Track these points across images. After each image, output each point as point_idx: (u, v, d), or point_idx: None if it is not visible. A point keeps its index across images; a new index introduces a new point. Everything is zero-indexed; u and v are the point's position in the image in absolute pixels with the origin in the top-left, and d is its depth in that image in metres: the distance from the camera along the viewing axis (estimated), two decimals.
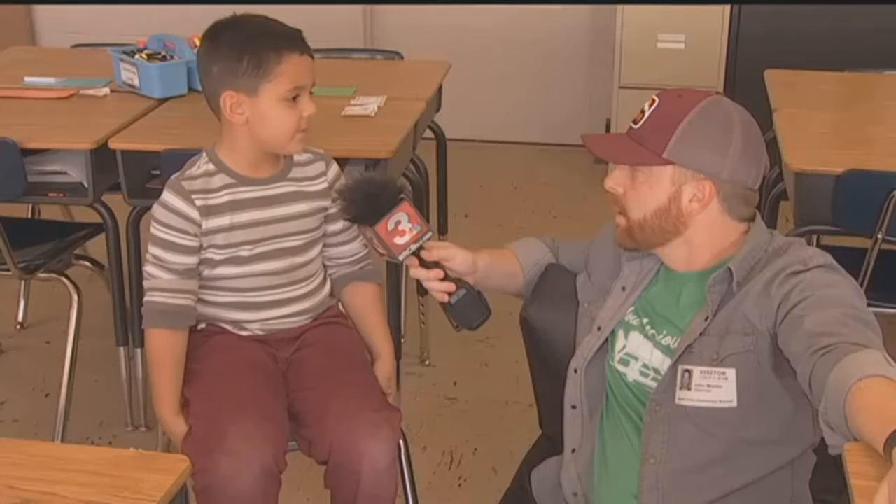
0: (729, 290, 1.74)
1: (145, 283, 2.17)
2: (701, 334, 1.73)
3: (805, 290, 1.64)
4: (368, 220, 1.90)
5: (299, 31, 2.12)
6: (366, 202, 1.90)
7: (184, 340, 2.17)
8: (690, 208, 1.74)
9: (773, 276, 1.70)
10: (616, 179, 1.79)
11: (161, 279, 2.14)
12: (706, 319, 1.73)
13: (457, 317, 1.90)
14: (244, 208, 2.15)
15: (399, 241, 1.88)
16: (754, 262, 1.75)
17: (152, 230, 2.14)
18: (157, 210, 2.14)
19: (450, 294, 1.88)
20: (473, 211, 4.68)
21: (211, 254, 2.15)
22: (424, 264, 1.90)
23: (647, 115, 1.75)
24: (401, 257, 1.89)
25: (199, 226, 2.12)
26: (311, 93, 2.12)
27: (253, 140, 2.12)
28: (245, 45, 2.05)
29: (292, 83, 2.06)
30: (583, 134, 1.85)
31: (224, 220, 2.13)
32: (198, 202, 2.11)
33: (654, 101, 1.76)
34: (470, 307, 1.90)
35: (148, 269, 2.15)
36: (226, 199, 2.14)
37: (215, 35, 2.11)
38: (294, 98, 2.08)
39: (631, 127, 1.78)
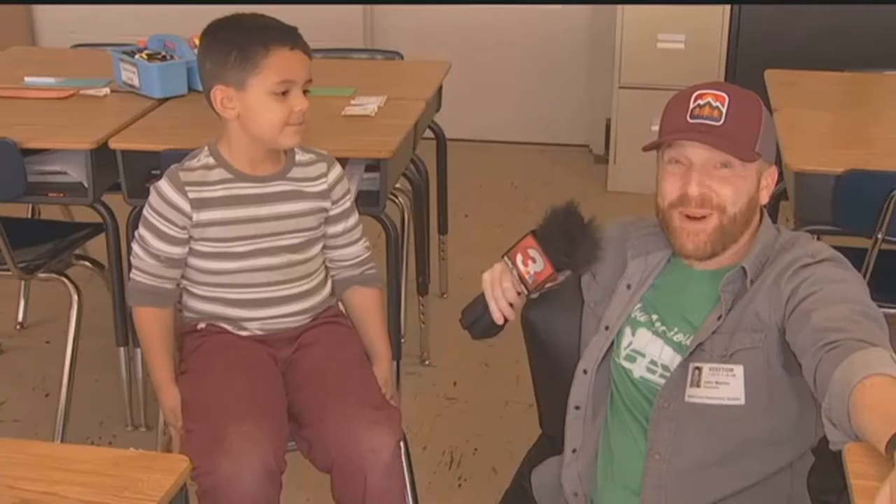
0: (742, 289, 1.76)
1: (132, 260, 2.22)
2: (713, 332, 1.74)
3: (814, 284, 1.66)
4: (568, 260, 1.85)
5: (294, 28, 2.12)
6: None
7: (170, 315, 2.23)
8: (762, 196, 1.80)
9: (783, 270, 1.72)
10: (705, 184, 1.75)
11: (145, 262, 2.18)
12: (719, 318, 1.74)
13: (475, 323, 1.90)
14: (240, 204, 2.15)
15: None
16: (765, 259, 1.77)
17: (144, 210, 2.18)
18: (151, 194, 2.17)
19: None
20: (473, 211, 4.68)
21: (204, 246, 2.16)
22: (526, 290, 1.86)
23: (725, 111, 1.73)
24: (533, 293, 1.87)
25: (190, 218, 2.13)
26: (306, 90, 2.12)
27: (246, 135, 2.12)
28: (233, 39, 2.07)
29: (280, 76, 2.06)
30: (663, 137, 1.78)
31: (217, 214, 2.14)
32: (191, 194, 2.12)
33: (722, 97, 1.74)
34: (489, 327, 1.90)
35: (134, 246, 2.20)
36: (221, 193, 2.14)
37: (210, 33, 2.13)
38: (284, 93, 2.07)
39: (706, 123, 1.73)
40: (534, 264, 1.83)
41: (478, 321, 1.90)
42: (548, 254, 1.82)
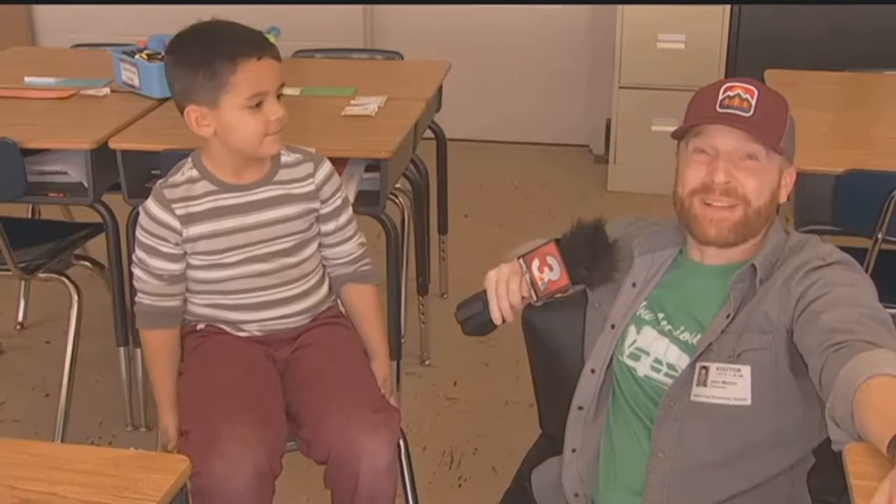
0: (751, 288, 1.76)
1: (134, 284, 2.21)
2: (722, 332, 1.74)
3: (824, 286, 1.67)
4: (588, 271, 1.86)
5: (259, 34, 2.07)
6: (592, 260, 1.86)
7: (176, 335, 2.22)
8: (781, 194, 1.82)
9: (793, 272, 1.72)
10: (731, 173, 1.76)
11: (148, 283, 2.17)
12: (728, 317, 1.75)
13: (470, 319, 1.89)
14: (226, 215, 2.14)
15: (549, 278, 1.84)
16: (774, 259, 1.78)
17: (136, 233, 2.17)
18: (140, 215, 2.16)
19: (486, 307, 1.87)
20: (473, 211, 4.68)
21: (196, 260, 2.16)
22: (535, 295, 1.86)
23: (755, 103, 1.75)
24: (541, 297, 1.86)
25: (180, 234, 2.12)
26: (279, 95, 2.08)
27: (226, 149, 2.11)
28: (199, 58, 2.02)
29: (251, 90, 2.03)
30: (690, 122, 1.78)
31: (206, 228, 2.13)
32: (178, 211, 2.11)
33: (751, 90, 1.76)
34: (484, 325, 1.89)
35: (134, 270, 2.19)
36: (208, 206, 2.13)
37: (173, 49, 2.09)
38: (258, 104, 2.04)
39: (737, 114, 1.74)
40: (550, 272, 1.83)
41: (473, 317, 1.89)
42: (567, 265, 1.82)
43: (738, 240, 1.79)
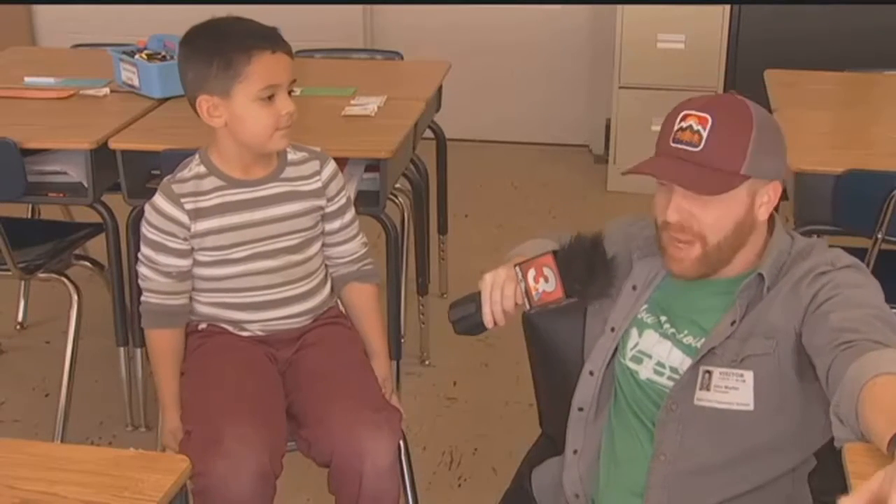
0: (758, 295, 1.75)
1: (140, 283, 2.20)
2: (727, 338, 1.74)
3: (833, 288, 1.67)
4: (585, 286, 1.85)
5: (273, 29, 2.10)
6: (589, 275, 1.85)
7: (181, 335, 2.23)
8: (760, 213, 1.74)
9: (801, 277, 1.71)
10: (685, 209, 1.72)
11: (155, 281, 2.17)
12: (732, 324, 1.74)
13: (462, 319, 1.89)
14: (234, 210, 2.14)
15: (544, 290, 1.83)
16: (780, 265, 1.76)
17: (143, 230, 2.16)
18: (147, 212, 2.16)
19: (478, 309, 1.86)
20: (473, 211, 4.68)
21: (203, 256, 2.16)
22: (529, 304, 1.85)
23: (706, 135, 1.68)
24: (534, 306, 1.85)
25: (188, 229, 2.12)
26: (290, 91, 2.10)
27: (235, 142, 2.11)
28: (214, 48, 2.05)
29: (265, 82, 2.05)
30: (635, 166, 1.75)
31: (213, 223, 2.13)
32: (187, 206, 2.12)
33: (705, 118, 1.68)
34: (476, 326, 1.89)
35: (140, 269, 2.19)
36: (216, 201, 2.14)
37: (188, 40, 2.11)
38: (270, 97, 2.06)
39: (685, 149, 1.69)
40: (545, 283, 1.82)
41: (466, 318, 1.88)
42: (563, 278, 1.82)
43: (702, 273, 1.76)
